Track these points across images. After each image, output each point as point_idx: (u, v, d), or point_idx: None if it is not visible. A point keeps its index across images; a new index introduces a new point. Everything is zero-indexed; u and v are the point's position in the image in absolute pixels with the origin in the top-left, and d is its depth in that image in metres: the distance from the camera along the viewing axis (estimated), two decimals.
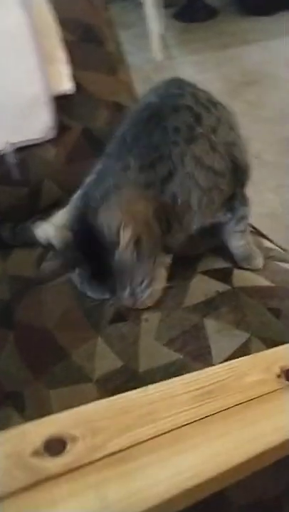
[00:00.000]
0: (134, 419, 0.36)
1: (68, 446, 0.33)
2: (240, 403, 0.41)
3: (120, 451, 0.34)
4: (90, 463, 0.32)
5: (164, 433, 0.36)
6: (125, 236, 0.55)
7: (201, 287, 0.67)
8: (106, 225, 0.56)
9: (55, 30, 0.76)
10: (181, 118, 0.58)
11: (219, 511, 0.49)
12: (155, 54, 2.36)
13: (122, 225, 0.55)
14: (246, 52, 2.39)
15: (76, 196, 0.70)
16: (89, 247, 0.58)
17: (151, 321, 0.63)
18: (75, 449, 0.33)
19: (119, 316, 0.65)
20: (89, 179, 0.67)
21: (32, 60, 0.72)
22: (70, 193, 0.92)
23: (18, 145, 0.76)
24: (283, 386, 0.43)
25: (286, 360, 0.46)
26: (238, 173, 0.63)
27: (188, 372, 0.43)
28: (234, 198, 0.64)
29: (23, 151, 0.79)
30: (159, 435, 0.36)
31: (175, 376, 0.41)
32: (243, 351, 0.59)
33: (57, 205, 0.91)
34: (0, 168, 0.78)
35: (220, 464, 0.35)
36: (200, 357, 0.60)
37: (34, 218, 0.83)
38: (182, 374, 0.42)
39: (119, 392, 0.38)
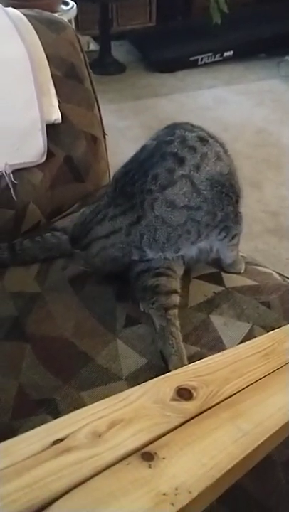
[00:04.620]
0: (228, 373, 0.43)
1: (194, 394, 0.38)
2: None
3: (231, 396, 0.40)
4: (215, 405, 0.38)
5: (253, 382, 0.43)
6: None
7: (200, 289, 0.75)
8: None
9: (46, 64, 0.83)
10: (164, 164, 0.65)
11: (265, 470, 0.56)
12: None
13: None
14: (157, 103, 2.66)
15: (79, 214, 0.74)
16: None
17: None
18: (199, 395, 0.38)
19: (133, 320, 0.70)
20: (87, 210, 0.72)
21: (31, 89, 0.77)
22: (49, 217, 0.96)
23: (14, 167, 0.79)
24: None
25: None
26: (225, 196, 0.69)
27: None
28: (227, 219, 0.69)
29: (14, 173, 0.82)
30: (250, 384, 0.42)
31: None
32: (249, 338, 0.68)
33: (35, 229, 0.94)
34: None
35: None
36: (215, 347, 0.67)
37: (19, 240, 0.84)
38: None
39: None
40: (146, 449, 0.30)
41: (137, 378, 0.63)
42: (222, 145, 0.72)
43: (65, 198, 0.97)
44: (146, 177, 0.65)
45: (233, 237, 0.74)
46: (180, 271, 0.75)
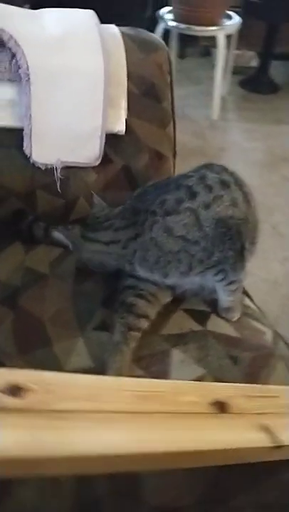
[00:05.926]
0: (82, 393, 0.46)
1: (26, 394, 0.43)
2: (171, 412, 0.50)
3: (64, 411, 0.43)
4: (38, 411, 0.42)
5: (102, 412, 0.45)
6: None
7: (179, 322, 0.77)
8: None
9: (124, 81, 0.91)
10: (176, 193, 0.69)
11: (131, 507, 0.57)
12: (213, 113, 2.55)
13: None
14: None
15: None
16: None
17: None
18: (31, 398, 0.43)
19: (104, 326, 0.76)
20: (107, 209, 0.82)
21: (99, 101, 0.85)
22: None
23: (66, 164, 0.89)
24: (211, 413, 0.52)
25: (225, 396, 0.54)
26: (229, 240, 0.68)
27: None
28: (225, 262, 0.70)
29: (70, 169, 0.92)
30: (97, 412, 0.45)
31: None
32: None
33: (83, 220, 1.04)
34: (46, 179, 0.92)
35: (139, 449, 0.44)
36: (158, 378, 0.69)
37: (62, 226, 0.95)
38: None
39: None
40: None
41: None
42: (246, 194, 0.72)
43: (118, 201, 1.04)
44: (155, 200, 0.70)
45: (230, 283, 0.74)
46: (164, 300, 0.77)
